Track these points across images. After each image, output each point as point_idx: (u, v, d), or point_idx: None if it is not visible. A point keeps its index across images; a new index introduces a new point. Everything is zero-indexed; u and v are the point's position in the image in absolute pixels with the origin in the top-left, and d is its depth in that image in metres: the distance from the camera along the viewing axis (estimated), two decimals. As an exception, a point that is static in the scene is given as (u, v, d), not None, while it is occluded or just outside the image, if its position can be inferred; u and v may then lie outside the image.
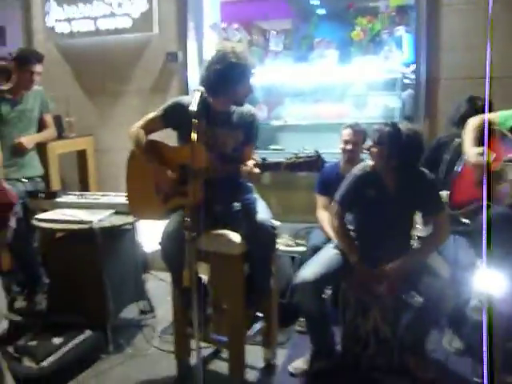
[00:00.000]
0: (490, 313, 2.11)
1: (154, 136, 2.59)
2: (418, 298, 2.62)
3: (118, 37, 3.99)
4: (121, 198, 3.15)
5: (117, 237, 3.00)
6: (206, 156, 2.32)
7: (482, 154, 2.12)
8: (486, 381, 2.06)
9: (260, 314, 2.68)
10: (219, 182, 2.40)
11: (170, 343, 2.89)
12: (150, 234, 3.42)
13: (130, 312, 3.25)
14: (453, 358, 2.73)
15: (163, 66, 3.95)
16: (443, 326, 2.91)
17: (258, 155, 2.42)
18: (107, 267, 2.85)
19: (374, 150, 2.54)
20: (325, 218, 3.18)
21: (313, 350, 2.67)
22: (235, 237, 2.40)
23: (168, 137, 2.64)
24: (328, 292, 2.88)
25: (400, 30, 3.72)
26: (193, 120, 2.11)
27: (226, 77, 2.33)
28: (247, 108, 2.57)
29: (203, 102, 2.45)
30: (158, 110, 2.55)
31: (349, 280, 2.64)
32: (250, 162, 2.26)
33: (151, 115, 2.56)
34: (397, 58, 3.71)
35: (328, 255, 2.65)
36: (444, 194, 2.75)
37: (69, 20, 4.11)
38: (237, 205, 2.47)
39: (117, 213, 3.01)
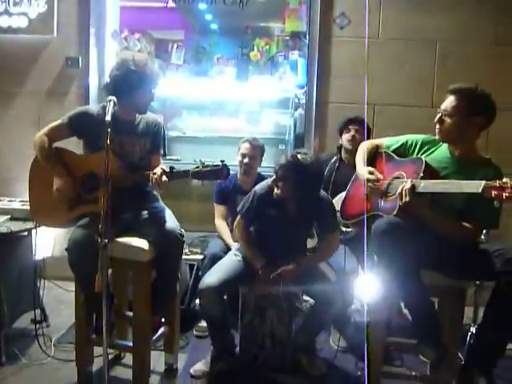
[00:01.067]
0: (370, 314, 2.45)
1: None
2: (309, 302, 2.87)
3: (13, 36, 3.83)
4: (16, 204, 3.05)
5: (13, 243, 2.90)
6: (115, 164, 2.37)
7: (371, 173, 2.42)
8: (365, 372, 2.39)
9: (163, 320, 2.76)
10: (127, 190, 2.45)
11: (67, 352, 2.87)
12: (43, 241, 3.35)
13: (23, 322, 3.14)
14: (339, 356, 3.01)
15: (62, 70, 3.86)
16: (330, 326, 3.20)
17: (165, 164, 2.51)
18: (2, 275, 2.75)
19: (280, 184, 2.64)
20: (223, 226, 3.36)
21: (214, 352, 2.80)
22: (143, 244, 2.46)
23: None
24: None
25: (294, 54, 4.02)
26: (108, 130, 2.16)
27: (125, 83, 2.41)
28: (152, 117, 2.66)
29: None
30: (62, 118, 2.54)
31: (250, 284, 2.82)
32: (158, 170, 2.35)
33: (56, 123, 2.55)
34: (291, 80, 4.00)
35: (230, 262, 2.81)
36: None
37: (-43, 14, 3.87)
38: (144, 213, 2.54)
39: (12, 219, 2.91)
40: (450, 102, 2.28)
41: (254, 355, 2.87)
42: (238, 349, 2.88)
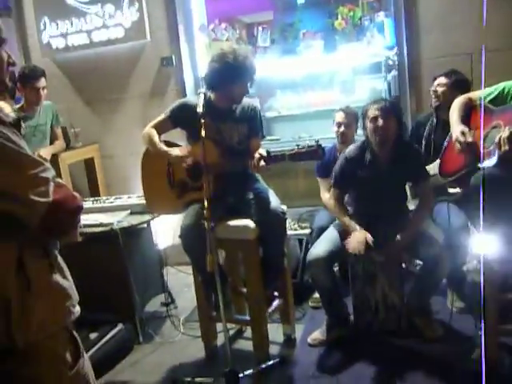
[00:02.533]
0: (485, 272, 2.37)
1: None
2: (418, 265, 2.84)
3: (112, 47, 4.16)
4: (133, 199, 3.35)
5: (135, 235, 3.20)
6: (215, 152, 2.53)
7: (463, 133, 2.33)
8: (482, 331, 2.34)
9: (276, 294, 2.91)
10: (229, 174, 2.61)
11: (195, 329, 3.12)
12: (162, 232, 3.65)
13: (153, 305, 3.46)
14: (456, 317, 2.96)
15: (158, 70, 4.14)
16: (445, 288, 3.15)
17: (263, 148, 2.61)
18: (130, 264, 3.05)
19: (381, 122, 2.65)
20: (327, 198, 3.41)
21: (328, 320, 2.90)
22: (249, 223, 2.61)
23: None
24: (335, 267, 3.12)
25: (380, 16, 3.90)
26: (201, 121, 2.32)
27: (222, 76, 2.54)
28: (248, 102, 2.77)
29: (207, 101, 2.67)
30: (165, 112, 2.74)
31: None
32: (256, 156, 2.45)
33: (160, 117, 2.75)
34: (379, 43, 3.89)
35: (333, 233, 2.87)
36: (431, 166, 2.99)
37: (63, 35, 4.28)
38: (247, 194, 2.68)
39: (132, 213, 3.21)
40: None
41: (369, 321, 2.93)
42: (352, 316, 2.95)
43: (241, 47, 2.75)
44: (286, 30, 4.23)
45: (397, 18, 3.74)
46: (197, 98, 2.63)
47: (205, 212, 2.28)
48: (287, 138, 4.28)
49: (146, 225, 3.26)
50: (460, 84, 2.99)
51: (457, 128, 2.38)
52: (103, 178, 4.31)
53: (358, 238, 2.71)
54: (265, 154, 2.44)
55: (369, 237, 2.70)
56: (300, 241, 3.63)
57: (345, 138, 3.33)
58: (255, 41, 4.18)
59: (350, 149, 2.87)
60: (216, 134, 2.63)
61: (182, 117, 2.66)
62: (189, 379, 2.61)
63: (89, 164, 4.30)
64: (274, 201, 2.63)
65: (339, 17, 4.07)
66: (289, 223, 4.00)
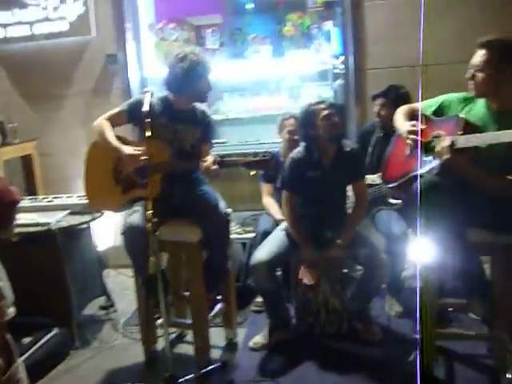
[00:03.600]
0: (422, 277, 2.45)
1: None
2: (359, 270, 2.90)
3: (55, 41, 4.02)
4: (73, 199, 3.24)
5: (74, 236, 3.09)
6: (166, 151, 2.50)
7: (413, 126, 2.40)
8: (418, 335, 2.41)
9: (219, 297, 2.88)
10: (178, 175, 2.59)
11: (135, 333, 3.05)
12: (103, 233, 3.55)
13: (91, 309, 3.36)
14: (395, 321, 3.05)
15: (103, 67, 4.03)
16: (384, 293, 3.23)
17: (215, 153, 2.60)
18: (68, 266, 2.95)
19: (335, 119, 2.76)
20: (270, 202, 3.42)
21: (270, 324, 2.90)
22: (192, 226, 2.57)
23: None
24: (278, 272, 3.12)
25: (328, 25, 3.97)
26: (146, 120, 2.29)
27: (190, 75, 2.54)
28: (204, 107, 2.78)
29: (165, 101, 2.65)
30: (122, 105, 2.68)
31: (299, 257, 2.88)
32: (210, 159, 2.44)
33: (116, 109, 2.69)
34: (327, 51, 3.96)
35: (278, 237, 2.88)
36: (373, 176, 3.07)
37: (3, 26, 4.09)
38: (192, 196, 2.64)
39: (71, 213, 3.10)
40: (479, 56, 2.22)
41: (310, 325, 2.95)
42: (293, 320, 2.97)
43: (194, 47, 2.73)
44: (234, 33, 4.24)
45: (344, 27, 3.81)
46: (156, 97, 2.63)
47: (147, 213, 2.24)
48: (234, 142, 4.27)
49: (85, 225, 3.15)
50: (399, 100, 3.06)
51: (404, 124, 2.44)
52: (41, 176, 4.14)
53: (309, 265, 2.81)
54: (218, 158, 2.43)
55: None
56: (244, 244, 3.62)
57: (295, 145, 3.35)
58: (204, 42, 4.15)
59: (297, 151, 2.90)
60: (171, 135, 2.61)
61: (137, 113, 2.59)
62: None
63: (26, 161, 4.12)
64: (220, 203, 2.61)
65: (288, 24, 4.11)
66: (233, 227, 4.01)
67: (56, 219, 2.93)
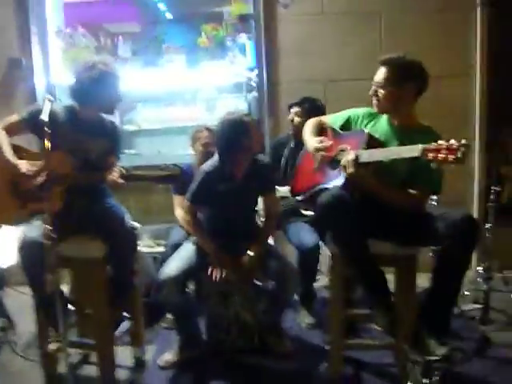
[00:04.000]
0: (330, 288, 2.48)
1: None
2: (269, 283, 2.89)
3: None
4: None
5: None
6: (68, 163, 2.37)
7: (320, 142, 2.43)
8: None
9: (126, 314, 2.76)
10: (81, 188, 2.46)
11: (36, 356, 2.85)
12: (4, 248, 3.31)
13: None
14: (307, 332, 3.07)
15: (5, 72, 3.80)
16: (297, 304, 3.24)
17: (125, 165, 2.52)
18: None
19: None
20: (182, 215, 3.34)
21: (180, 341, 2.81)
22: (95, 240, 2.45)
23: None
24: (191, 286, 3.05)
25: (243, 38, 3.99)
26: (45, 129, 2.16)
27: (98, 85, 2.42)
28: (110, 119, 2.67)
29: (70, 110, 2.52)
30: (21, 113, 2.51)
31: (208, 272, 2.83)
32: (116, 172, 2.34)
33: (14, 118, 2.51)
34: (241, 63, 3.98)
35: (188, 250, 2.81)
36: (285, 188, 3.08)
37: None
38: (96, 209, 2.52)
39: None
40: (381, 73, 2.30)
41: (221, 341, 2.89)
42: (204, 336, 2.90)
43: (105, 56, 2.61)
44: (149, 42, 4.15)
45: (257, 40, 3.84)
46: (60, 107, 2.50)
47: (45, 227, 2.11)
48: (147, 153, 4.17)
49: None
50: (313, 111, 3.11)
51: (312, 140, 2.47)
52: None
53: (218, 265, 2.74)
54: (125, 171, 2.35)
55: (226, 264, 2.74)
56: (154, 258, 3.51)
57: (208, 157, 3.29)
58: (116, 51, 4.03)
59: (209, 164, 2.84)
60: (74, 145, 2.46)
61: (37, 122, 2.42)
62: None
63: None
64: (125, 217, 2.50)
65: (203, 34, 4.09)
66: (145, 240, 3.89)
67: None
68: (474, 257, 3.48)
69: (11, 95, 3.81)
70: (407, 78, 2.25)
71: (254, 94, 4.01)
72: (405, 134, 2.31)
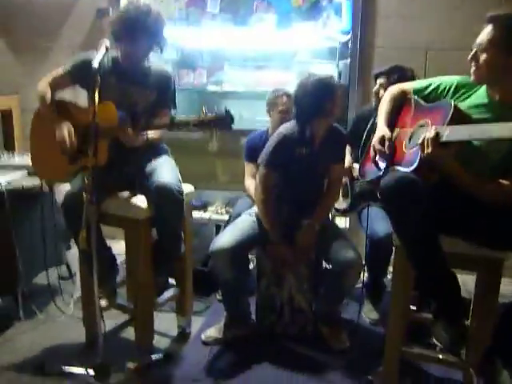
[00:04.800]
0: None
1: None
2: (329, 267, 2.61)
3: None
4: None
5: (30, 199, 2.84)
6: (114, 115, 2.22)
7: (382, 140, 2.04)
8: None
9: (173, 281, 2.62)
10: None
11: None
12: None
13: (46, 278, 3.12)
14: (369, 329, 2.76)
15: (94, 22, 3.76)
16: (363, 297, 2.92)
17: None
18: (17, 231, 2.72)
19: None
20: (252, 185, 3.12)
21: (227, 318, 2.63)
22: (140, 201, 2.30)
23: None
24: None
25: (339, -3, 3.60)
26: (95, 77, 2.02)
27: (122, 28, 2.26)
28: (162, 68, 2.49)
29: (112, 57, 2.36)
30: (64, 66, 2.42)
31: (264, 250, 2.60)
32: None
33: (59, 71, 2.43)
34: (335, 26, 3.60)
35: (246, 222, 2.60)
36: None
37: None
38: (145, 167, 2.36)
39: (30, 174, 2.86)
40: (485, 33, 1.85)
41: (272, 323, 2.67)
42: (254, 316, 2.70)
43: (145, 2, 2.40)
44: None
45: (355, 1, 3.45)
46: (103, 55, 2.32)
47: (87, 181, 1.99)
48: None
49: (45, 189, 2.90)
50: (403, 82, 2.71)
51: (379, 131, 2.10)
52: (21, 132, 3.92)
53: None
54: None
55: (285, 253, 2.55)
56: (218, 227, 3.34)
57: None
58: (204, 5, 3.82)
59: (286, 126, 2.63)
60: (120, 97, 2.32)
61: (84, 74, 2.30)
62: (59, 367, 2.31)
63: (6, 116, 3.89)
64: (170, 177, 2.28)
65: (297, -7, 3.75)
66: (216, 206, 3.75)
67: (6, 180, 2.69)
68: None
69: (97, 44, 3.76)
70: None
71: (347, 61, 3.63)
72: (506, 111, 1.86)
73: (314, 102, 2.47)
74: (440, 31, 3.32)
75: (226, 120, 2.14)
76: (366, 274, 2.93)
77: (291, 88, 3.07)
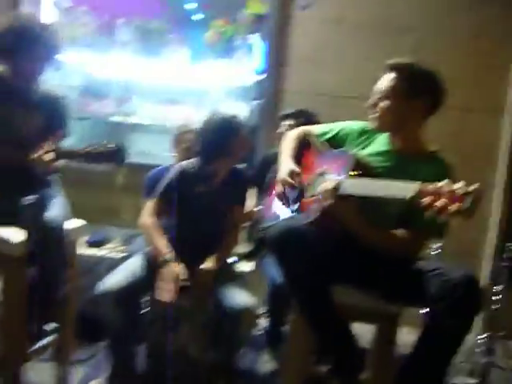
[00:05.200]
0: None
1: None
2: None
3: None
4: None
5: None
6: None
7: (291, 174, 1.99)
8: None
9: (53, 326, 2.35)
10: (8, 171, 2.07)
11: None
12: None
13: None
14: (268, 378, 2.62)
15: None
16: (262, 345, 2.80)
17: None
18: None
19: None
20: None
21: (111, 368, 2.38)
22: (17, 235, 2.05)
23: None
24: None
25: (253, 38, 3.60)
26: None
27: (18, 35, 2.07)
28: (55, 92, 2.31)
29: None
30: None
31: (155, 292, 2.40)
32: (45, 148, 1.98)
33: None
34: (248, 65, 3.59)
35: (136, 263, 2.40)
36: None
37: None
38: (28, 199, 2.13)
39: None
40: (388, 80, 1.86)
41: (161, 374, 2.45)
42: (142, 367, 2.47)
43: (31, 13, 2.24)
44: (151, 29, 3.78)
45: (269, 43, 3.46)
46: None
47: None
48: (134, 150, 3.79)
49: None
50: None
51: (286, 166, 2.03)
52: None
53: (170, 277, 2.26)
54: (51, 146, 1.99)
55: (181, 272, 2.28)
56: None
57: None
58: (114, 33, 3.68)
59: (188, 162, 2.54)
60: (3, 119, 2.10)
61: None
62: None
63: None
64: (55, 211, 2.08)
65: (211, 29, 3.72)
66: (114, 244, 3.51)
67: None
68: (477, 323, 2.97)
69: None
70: (420, 90, 1.81)
71: (257, 100, 3.61)
72: (405, 161, 1.85)
73: (217, 140, 2.40)
74: (350, 80, 3.38)
75: (115, 154, 2.00)
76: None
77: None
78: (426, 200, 1.44)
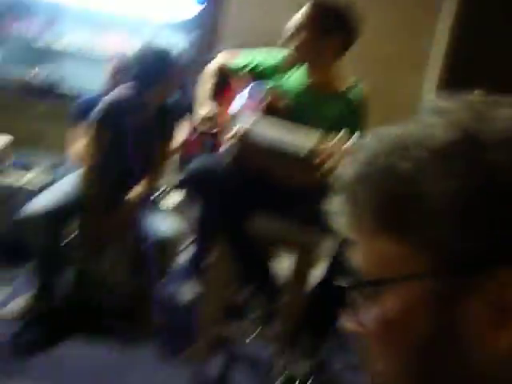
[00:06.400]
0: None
1: None
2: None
3: None
4: None
5: None
6: None
7: (209, 119, 2.02)
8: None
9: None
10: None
11: None
12: None
13: None
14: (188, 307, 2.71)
15: None
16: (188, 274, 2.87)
17: None
18: None
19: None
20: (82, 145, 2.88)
21: (36, 289, 2.39)
22: None
23: None
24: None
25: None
26: None
27: None
28: None
29: None
30: None
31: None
32: None
33: None
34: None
35: (69, 184, 2.39)
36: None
37: None
38: None
39: None
40: (304, 13, 1.87)
41: (87, 297, 2.50)
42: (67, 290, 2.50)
43: None
44: None
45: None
46: None
47: None
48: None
49: None
50: None
51: (204, 106, 2.07)
52: None
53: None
54: None
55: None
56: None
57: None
58: None
59: (122, 90, 2.49)
60: None
61: None
62: None
63: None
64: None
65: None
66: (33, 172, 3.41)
67: None
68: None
69: None
70: (333, 26, 1.85)
71: (197, 31, 3.55)
72: (318, 96, 1.91)
73: (152, 70, 2.37)
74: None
75: None
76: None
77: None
78: (318, 160, 1.55)
